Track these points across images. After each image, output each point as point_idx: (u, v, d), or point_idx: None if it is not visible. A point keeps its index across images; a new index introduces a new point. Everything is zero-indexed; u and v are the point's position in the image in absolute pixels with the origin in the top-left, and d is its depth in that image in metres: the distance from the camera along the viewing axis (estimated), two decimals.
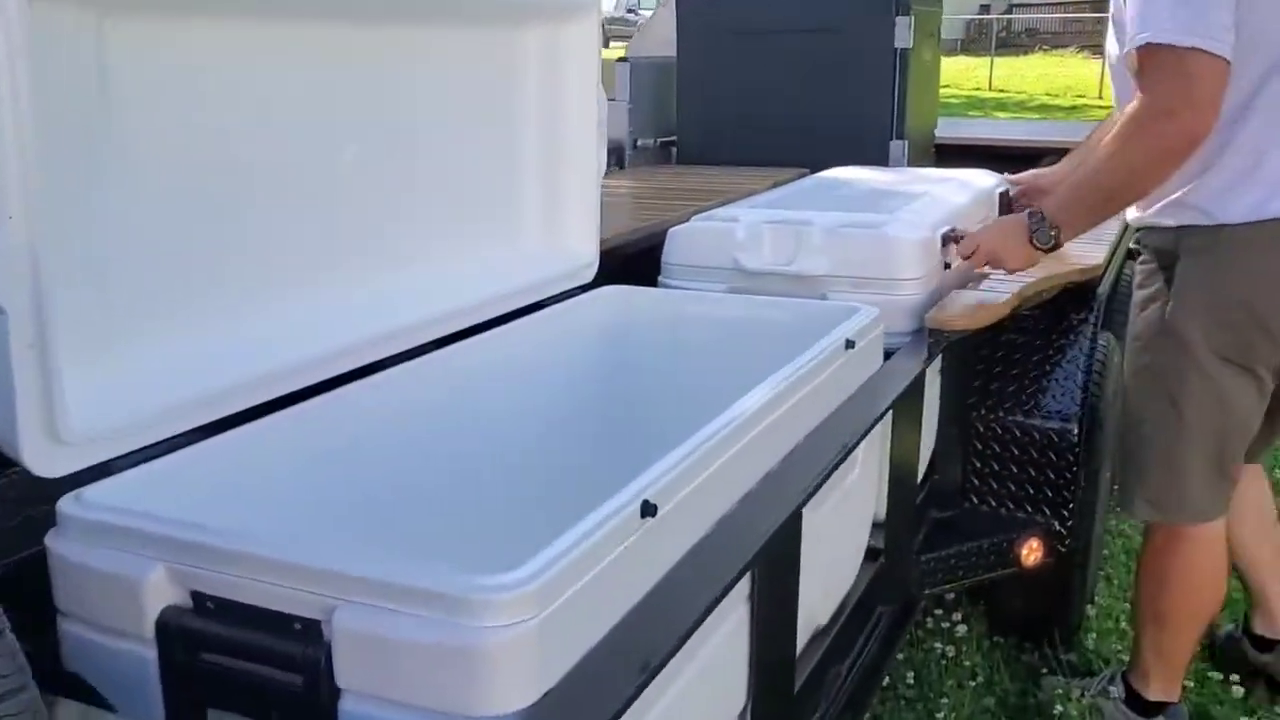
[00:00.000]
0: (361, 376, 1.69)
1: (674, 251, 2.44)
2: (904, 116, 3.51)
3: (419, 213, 1.92)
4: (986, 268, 2.28)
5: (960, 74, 21.15)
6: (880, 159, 3.56)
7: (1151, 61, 1.87)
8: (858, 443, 1.72)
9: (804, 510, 1.48)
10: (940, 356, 2.40)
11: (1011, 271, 2.24)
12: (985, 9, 28.03)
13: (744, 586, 1.42)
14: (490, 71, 1.97)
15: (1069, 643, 2.84)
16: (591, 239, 2.15)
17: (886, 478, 2.08)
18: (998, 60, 22.29)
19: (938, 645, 2.81)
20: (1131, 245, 2.35)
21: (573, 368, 2.01)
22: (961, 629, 2.85)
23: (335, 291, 1.74)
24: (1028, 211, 2.15)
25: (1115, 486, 2.43)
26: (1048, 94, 20.09)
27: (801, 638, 1.85)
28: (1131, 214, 2.23)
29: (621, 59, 3.90)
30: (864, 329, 1.89)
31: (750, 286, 2.34)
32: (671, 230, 2.43)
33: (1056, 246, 2.14)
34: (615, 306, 2.14)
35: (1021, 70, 22.59)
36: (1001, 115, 15.87)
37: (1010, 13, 28.88)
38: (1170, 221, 2.09)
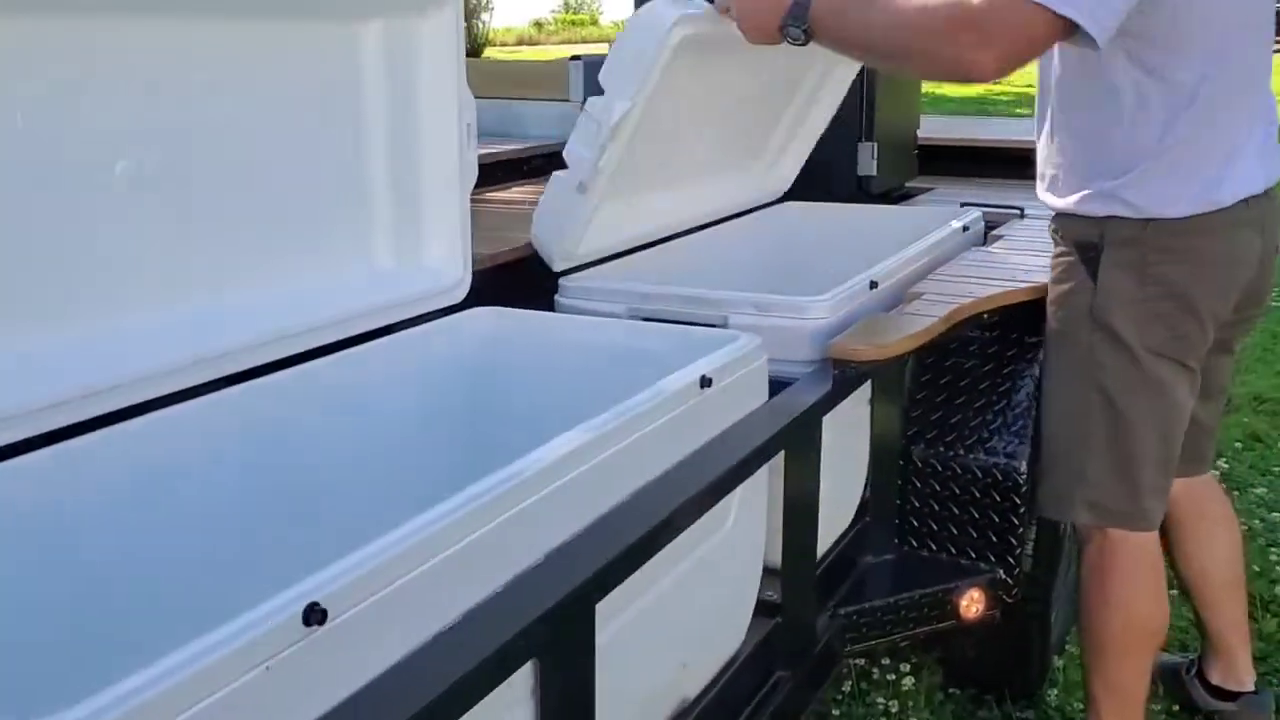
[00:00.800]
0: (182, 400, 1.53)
1: (572, 270, 2.23)
2: (873, 118, 3.25)
3: (254, 224, 1.71)
4: (732, 26, 1.97)
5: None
6: (848, 163, 3.30)
7: None
8: (708, 497, 1.49)
9: (643, 571, 1.27)
10: (871, 385, 2.16)
11: (749, 42, 1.95)
12: None
13: (527, 680, 1.20)
14: (330, 70, 1.75)
15: (1030, 697, 2.58)
16: (457, 256, 1.93)
17: (781, 524, 1.84)
18: None
19: (880, 700, 2.56)
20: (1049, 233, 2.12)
21: (381, 408, 1.78)
22: (909, 681, 2.60)
23: (148, 310, 1.56)
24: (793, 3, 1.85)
25: (1036, 490, 2.21)
26: None
27: (658, 715, 1.63)
28: (1051, 202, 2.07)
29: (574, 57, 3.67)
30: (732, 363, 1.65)
31: (650, 309, 2.11)
32: None
33: (800, 39, 1.86)
34: (477, 332, 1.92)
35: None
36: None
37: None
38: (1096, 211, 1.96)
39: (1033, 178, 2.16)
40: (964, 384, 2.35)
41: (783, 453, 1.76)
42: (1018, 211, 3.10)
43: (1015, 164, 3.86)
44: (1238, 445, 4.16)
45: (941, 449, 2.30)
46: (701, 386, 1.55)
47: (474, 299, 2.04)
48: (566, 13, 60.76)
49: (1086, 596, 2.14)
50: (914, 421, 2.33)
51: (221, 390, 1.59)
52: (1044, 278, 2.32)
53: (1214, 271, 1.95)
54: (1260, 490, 3.78)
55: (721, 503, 1.59)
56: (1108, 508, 2.04)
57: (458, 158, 1.89)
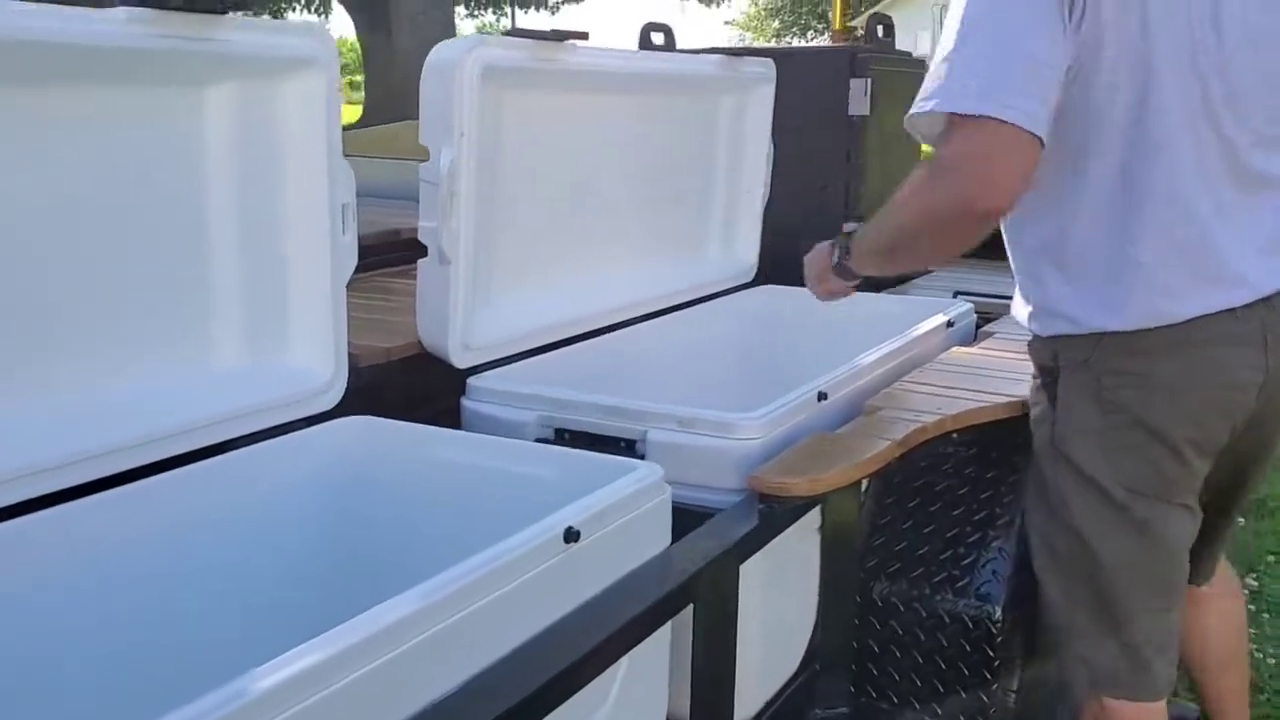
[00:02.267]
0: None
1: (481, 371, 1.96)
2: (860, 196, 2.97)
3: (79, 316, 1.46)
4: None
5: None
6: None
7: (951, 127, 1.53)
8: (570, 677, 1.20)
9: None
10: (820, 511, 1.86)
11: (821, 298, 2.00)
12: None
13: None
14: (171, 141, 1.50)
15: None
16: (328, 355, 1.66)
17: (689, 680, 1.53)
18: None
19: None
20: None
21: (200, 542, 1.49)
22: None
23: None
24: (846, 230, 1.92)
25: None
26: None
27: None
28: (1017, 318, 1.84)
29: None
30: (623, 502, 1.36)
31: (563, 418, 1.83)
32: None
33: (854, 277, 1.89)
34: (335, 447, 1.64)
35: None
36: None
37: None
38: (1041, 331, 1.74)
39: None
40: (935, 509, 2.04)
41: (690, 606, 1.47)
42: None
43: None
44: (1271, 558, 3.78)
45: (905, 586, 1.99)
46: (566, 541, 1.25)
47: (369, 401, 1.78)
48: None
49: None
50: (875, 552, 2.02)
51: (35, 513, 1.33)
52: (1026, 390, 2.03)
53: (1183, 397, 1.62)
54: None
55: (601, 678, 1.29)
56: (1101, 667, 1.73)
57: (329, 242, 1.63)
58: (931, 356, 2.29)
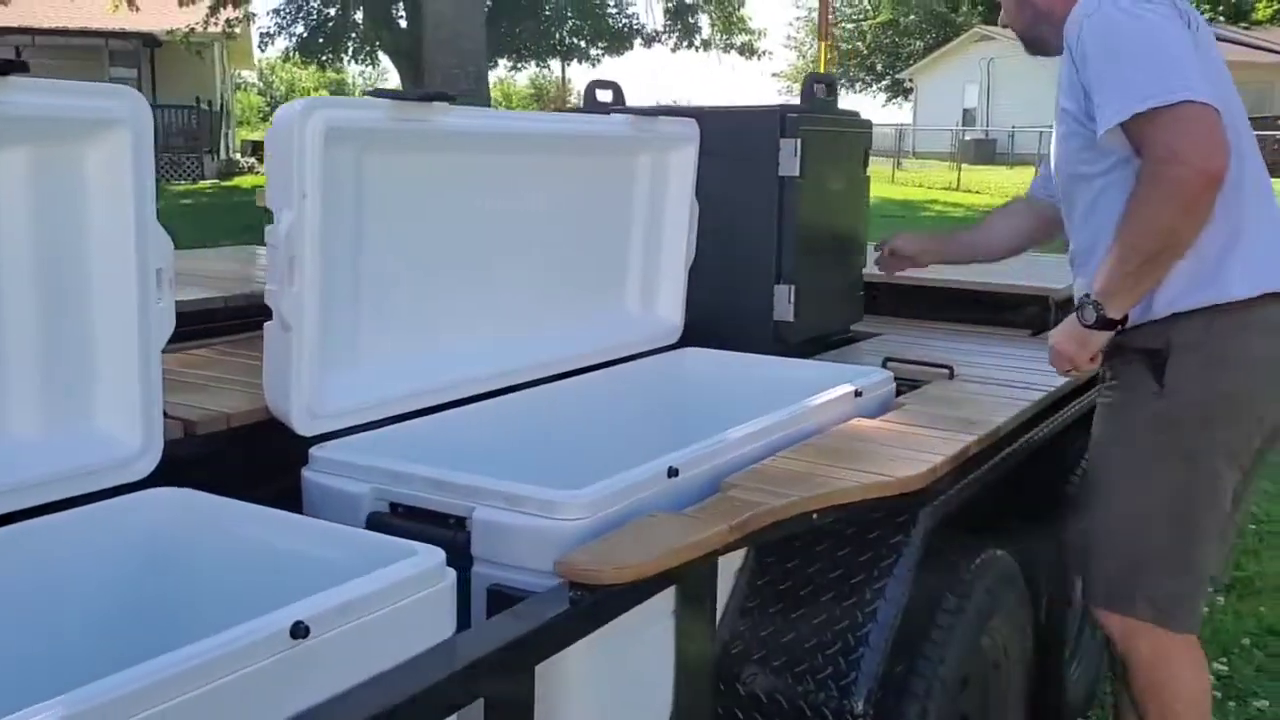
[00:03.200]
0: None
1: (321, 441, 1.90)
2: (791, 258, 2.89)
3: None
4: (1071, 372, 2.23)
5: None
6: (763, 305, 2.93)
7: (1150, 128, 1.92)
8: None
9: None
10: (676, 590, 1.76)
11: (1080, 365, 2.17)
12: None
13: None
14: None
15: None
16: (135, 424, 1.61)
17: None
18: None
19: None
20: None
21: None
22: None
23: None
24: (1078, 297, 2.15)
25: (1094, 577, 2.27)
26: None
27: None
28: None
29: None
30: (395, 587, 1.28)
31: (397, 491, 1.76)
32: None
33: (1106, 324, 2.05)
34: (139, 520, 1.58)
35: None
36: None
37: None
38: (1160, 313, 2.08)
39: (1008, 324, 2.61)
40: (805, 592, 1.94)
41: (481, 700, 1.38)
42: (946, 371, 2.69)
43: (976, 307, 3.51)
44: (1246, 641, 3.59)
45: (769, 676, 1.88)
46: (294, 636, 1.18)
47: (204, 470, 1.73)
48: None
49: (1160, 685, 2.19)
50: (739, 638, 1.92)
51: None
52: (911, 469, 1.93)
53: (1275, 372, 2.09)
54: (1262, 704, 3.21)
55: None
56: (1167, 606, 2.15)
57: (137, 309, 1.58)
58: (827, 428, 2.20)
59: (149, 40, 23.02)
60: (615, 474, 1.74)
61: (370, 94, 1.90)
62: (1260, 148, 2.18)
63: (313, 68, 21.63)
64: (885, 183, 26.65)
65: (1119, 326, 2.05)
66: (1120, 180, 2.07)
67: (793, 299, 2.91)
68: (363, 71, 29.78)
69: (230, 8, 19.84)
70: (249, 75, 30.84)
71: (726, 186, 2.91)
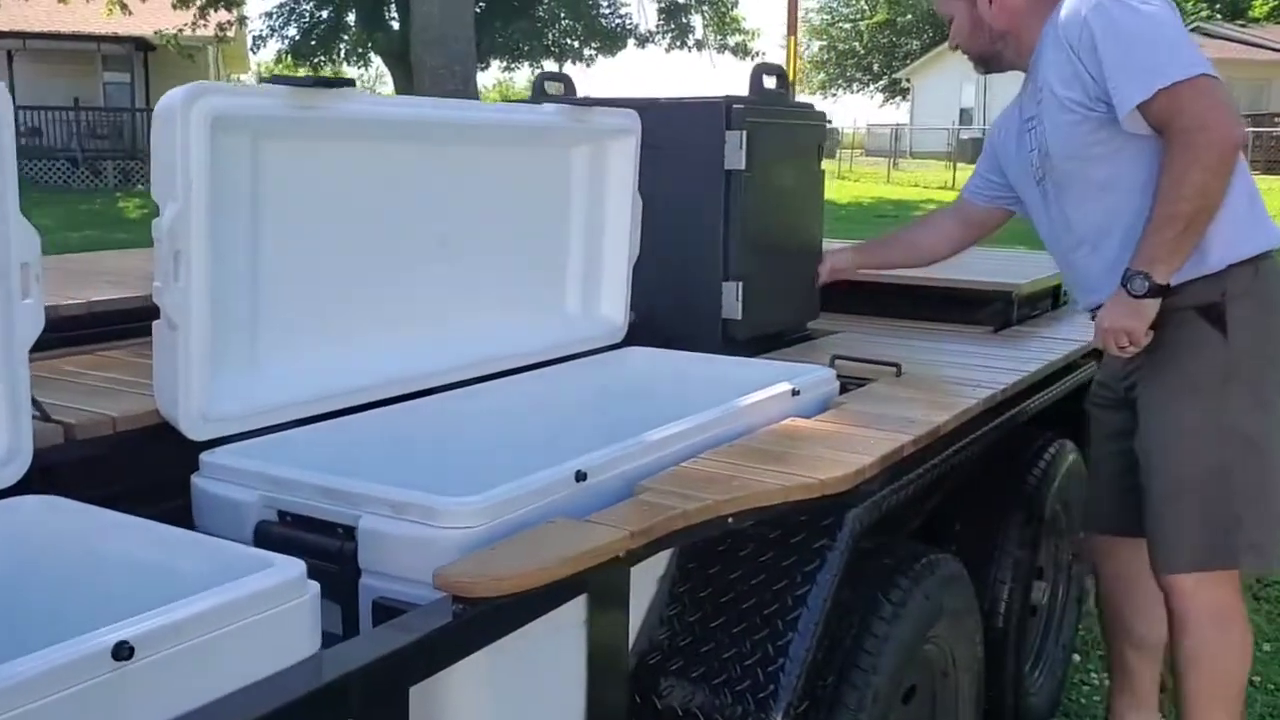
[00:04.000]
0: None
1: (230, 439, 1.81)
2: (739, 254, 2.80)
3: None
4: (1129, 348, 2.26)
5: None
6: (712, 302, 2.84)
7: (1174, 101, 2.10)
8: None
9: None
10: (587, 600, 1.67)
11: (1138, 339, 2.23)
12: None
13: None
14: None
15: None
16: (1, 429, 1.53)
17: None
18: None
19: None
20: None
21: None
22: None
23: None
24: (1127, 272, 2.21)
25: (1179, 544, 2.30)
26: None
27: None
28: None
29: None
30: (210, 613, 1.19)
31: (285, 499, 1.67)
32: None
33: (1158, 291, 2.17)
34: (4, 527, 1.49)
35: None
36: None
37: None
38: (1214, 266, 2.22)
39: (971, 321, 2.97)
40: (726, 600, 1.85)
41: None
42: (893, 370, 2.60)
43: (960, 306, 3.42)
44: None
45: (686, 688, 1.79)
46: (115, 658, 1.09)
47: (89, 476, 1.65)
48: None
49: (1212, 643, 2.27)
50: (658, 649, 1.83)
51: None
52: (838, 470, 1.84)
53: None
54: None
55: None
56: (1266, 550, 2.26)
57: (3, 307, 1.50)
58: (759, 428, 2.11)
59: (141, 44, 22.97)
60: (505, 479, 1.65)
61: (267, 80, 1.81)
62: (1257, 144, 2.43)
63: (304, 70, 21.50)
64: (881, 183, 26.56)
65: (1166, 292, 2.17)
66: (1131, 158, 2.25)
67: (740, 296, 2.82)
68: (361, 74, 29.69)
69: (222, 10, 19.79)
70: (247, 78, 30.74)
71: (672, 181, 2.82)
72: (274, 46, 23.51)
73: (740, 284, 2.82)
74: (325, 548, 1.59)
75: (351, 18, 22.22)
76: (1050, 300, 3.74)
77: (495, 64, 23.39)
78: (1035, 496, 2.80)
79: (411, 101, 2.17)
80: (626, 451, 1.81)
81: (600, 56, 23.27)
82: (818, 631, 1.78)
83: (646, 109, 2.70)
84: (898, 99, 45.24)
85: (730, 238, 2.82)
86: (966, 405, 2.32)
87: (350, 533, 1.60)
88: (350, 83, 1.88)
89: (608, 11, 23.01)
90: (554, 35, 22.74)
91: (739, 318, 2.83)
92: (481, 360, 2.38)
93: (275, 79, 1.81)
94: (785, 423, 2.15)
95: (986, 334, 3.29)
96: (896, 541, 2.17)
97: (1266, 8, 34.21)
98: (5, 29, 21.96)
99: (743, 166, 2.77)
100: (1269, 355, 2.27)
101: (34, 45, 22.74)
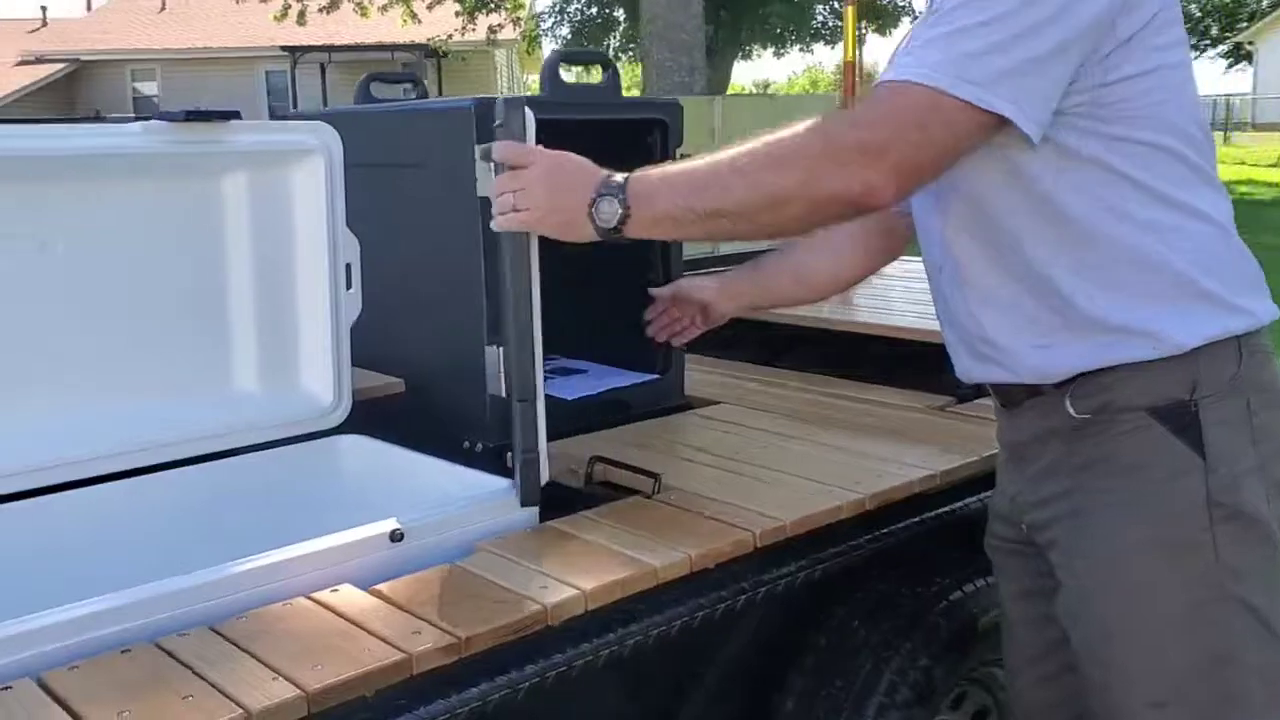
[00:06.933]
0: None
1: None
2: (504, 311, 2.03)
3: None
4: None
5: None
6: (476, 374, 2.12)
7: (889, 95, 1.39)
8: None
9: None
10: None
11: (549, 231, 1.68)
12: None
13: None
14: None
15: None
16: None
17: None
18: None
19: None
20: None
21: None
22: None
23: None
24: (608, 175, 1.58)
25: None
26: None
27: None
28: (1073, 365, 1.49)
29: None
30: None
31: None
32: None
33: (616, 233, 1.56)
34: None
35: None
36: None
37: None
38: (1185, 342, 1.44)
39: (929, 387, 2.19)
40: None
41: None
42: (653, 479, 1.82)
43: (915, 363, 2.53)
44: None
45: None
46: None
47: None
48: None
49: None
50: None
51: None
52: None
53: None
54: None
55: None
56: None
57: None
58: (288, 597, 1.43)
59: (429, 51, 24.10)
60: None
61: None
62: None
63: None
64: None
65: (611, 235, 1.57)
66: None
67: (502, 363, 2.07)
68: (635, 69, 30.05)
69: (491, 14, 20.34)
70: (534, 79, 31.88)
71: (424, 211, 2.14)
72: (548, 46, 23.94)
73: (500, 349, 2.08)
74: None
75: (620, 13, 22.27)
76: None
77: (757, 52, 22.62)
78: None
79: None
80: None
81: (872, 36, 21.95)
82: None
83: (363, 119, 2.05)
84: (1245, 63, 40.14)
85: (490, 289, 2.08)
86: (643, 569, 1.50)
87: None
88: None
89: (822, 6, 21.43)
90: (823, 15, 21.65)
91: (502, 394, 2.08)
92: (108, 454, 1.83)
93: None
94: (309, 600, 1.44)
95: (930, 411, 2.36)
96: None
97: None
98: (317, 43, 23.70)
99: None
100: (1271, 476, 1.45)
101: (338, 57, 24.43)
